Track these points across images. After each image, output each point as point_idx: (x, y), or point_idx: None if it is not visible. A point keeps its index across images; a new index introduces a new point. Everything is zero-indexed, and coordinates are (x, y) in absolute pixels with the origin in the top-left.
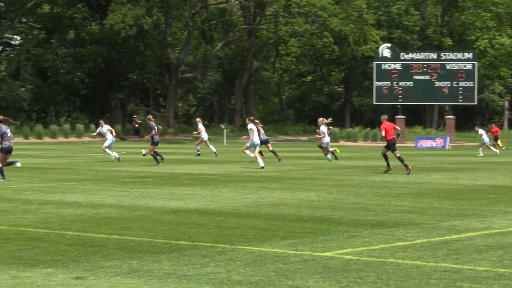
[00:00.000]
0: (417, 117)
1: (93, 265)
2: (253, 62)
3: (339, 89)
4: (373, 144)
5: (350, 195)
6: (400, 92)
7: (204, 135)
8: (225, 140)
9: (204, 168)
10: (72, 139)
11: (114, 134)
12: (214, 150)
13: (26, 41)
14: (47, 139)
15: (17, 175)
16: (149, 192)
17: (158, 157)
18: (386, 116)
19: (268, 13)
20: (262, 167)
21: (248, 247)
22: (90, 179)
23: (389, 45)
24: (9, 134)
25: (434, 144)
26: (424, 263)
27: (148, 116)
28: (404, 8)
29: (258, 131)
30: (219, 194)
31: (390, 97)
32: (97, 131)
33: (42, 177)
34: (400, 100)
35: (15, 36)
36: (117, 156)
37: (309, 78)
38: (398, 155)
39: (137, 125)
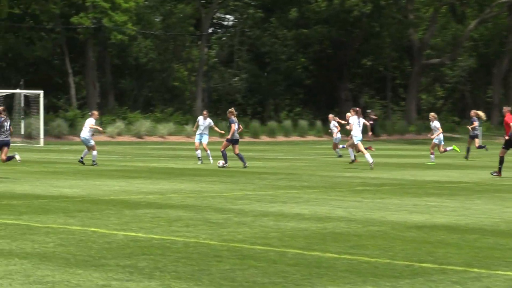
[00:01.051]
0: None
1: None
2: None
3: None
4: None
5: None
6: None
7: (337, 136)
8: (479, 140)
9: (453, 174)
10: (294, 138)
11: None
12: (340, 154)
13: (240, 21)
14: (264, 137)
15: (229, 181)
16: (387, 203)
17: (225, 162)
18: (510, 108)
19: None
20: (371, 164)
21: (509, 273)
22: (315, 186)
23: None
24: (6, 127)
25: None
26: None
27: (230, 109)
28: None
29: (365, 125)
30: (472, 207)
31: None
32: (197, 122)
33: (259, 183)
34: None
35: (228, 16)
36: (207, 159)
37: None
38: None
39: (371, 121)
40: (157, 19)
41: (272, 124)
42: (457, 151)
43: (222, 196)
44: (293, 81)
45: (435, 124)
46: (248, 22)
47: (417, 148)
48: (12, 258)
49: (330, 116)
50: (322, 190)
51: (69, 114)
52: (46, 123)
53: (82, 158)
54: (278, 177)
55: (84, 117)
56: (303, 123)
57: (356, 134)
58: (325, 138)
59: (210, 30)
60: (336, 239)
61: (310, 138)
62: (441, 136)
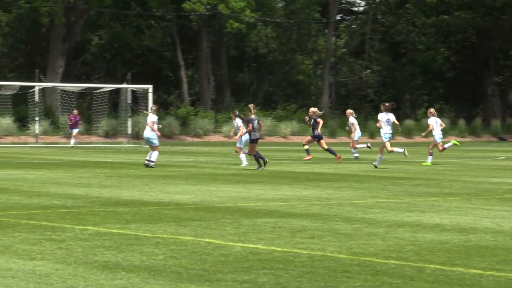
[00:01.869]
0: None
1: None
2: None
3: None
4: None
5: None
6: None
7: (357, 133)
8: None
9: None
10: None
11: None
12: (356, 154)
13: (372, 7)
14: (399, 138)
15: (360, 187)
16: None
17: (261, 160)
18: None
19: None
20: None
21: None
22: (457, 193)
23: None
24: None
25: None
26: None
27: (249, 105)
28: None
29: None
30: None
31: None
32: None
33: (394, 189)
34: None
35: (358, 1)
36: (244, 162)
37: None
38: None
39: None
40: (279, 5)
41: (409, 122)
42: (457, 144)
43: (352, 204)
44: (432, 74)
45: (430, 121)
46: (381, 8)
47: None
48: (118, 271)
49: (348, 111)
50: (465, 198)
51: (181, 112)
52: None
53: (152, 161)
54: (415, 182)
55: (198, 115)
56: (443, 121)
57: (385, 131)
58: (468, 139)
59: (338, 17)
60: (481, 253)
61: (451, 138)
62: (439, 134)
